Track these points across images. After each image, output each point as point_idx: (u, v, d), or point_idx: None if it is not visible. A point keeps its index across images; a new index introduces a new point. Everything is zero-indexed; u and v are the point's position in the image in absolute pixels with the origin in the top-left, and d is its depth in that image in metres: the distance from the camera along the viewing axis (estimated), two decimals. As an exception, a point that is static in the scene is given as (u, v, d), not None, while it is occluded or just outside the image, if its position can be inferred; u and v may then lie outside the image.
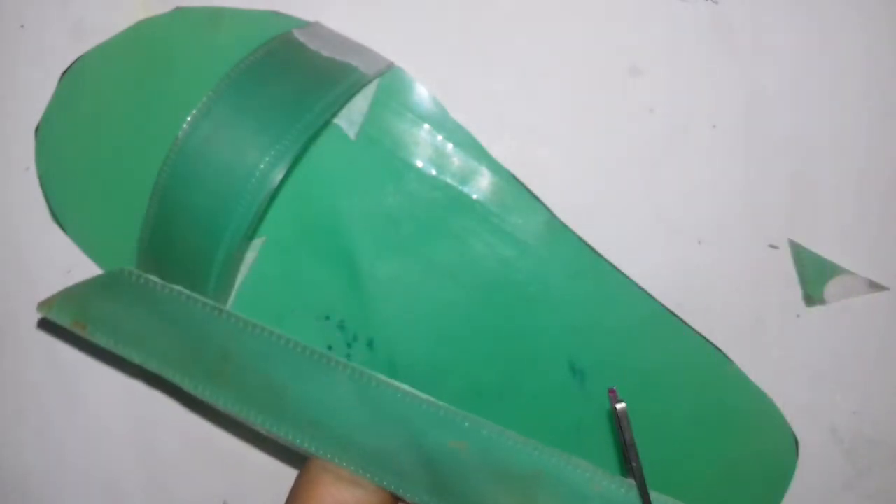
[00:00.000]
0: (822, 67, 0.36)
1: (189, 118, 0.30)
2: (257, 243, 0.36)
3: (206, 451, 0.38)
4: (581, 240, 0.36)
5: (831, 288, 0.36)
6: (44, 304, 0.31)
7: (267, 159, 0.30)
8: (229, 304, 0.36)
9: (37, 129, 0.36)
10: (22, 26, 0.37)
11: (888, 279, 0.37)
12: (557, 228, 0.35)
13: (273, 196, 0.31)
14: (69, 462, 0.38)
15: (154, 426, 0.38)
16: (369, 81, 0.34)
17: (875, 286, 0.37)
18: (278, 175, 0.30)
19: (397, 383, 0.29)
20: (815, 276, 0.36)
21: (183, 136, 0.30)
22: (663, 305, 0.35)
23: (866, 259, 0.37)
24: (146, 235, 0.32)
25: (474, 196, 0.36)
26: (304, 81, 0.32)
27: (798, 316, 0.37)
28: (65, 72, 0.36)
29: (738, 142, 0.36)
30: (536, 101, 0.36)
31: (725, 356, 0.36)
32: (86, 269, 0.37)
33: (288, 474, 0.38)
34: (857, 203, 0.37)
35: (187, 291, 0.30)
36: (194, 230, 0.31)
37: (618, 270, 0.35)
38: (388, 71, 0.35)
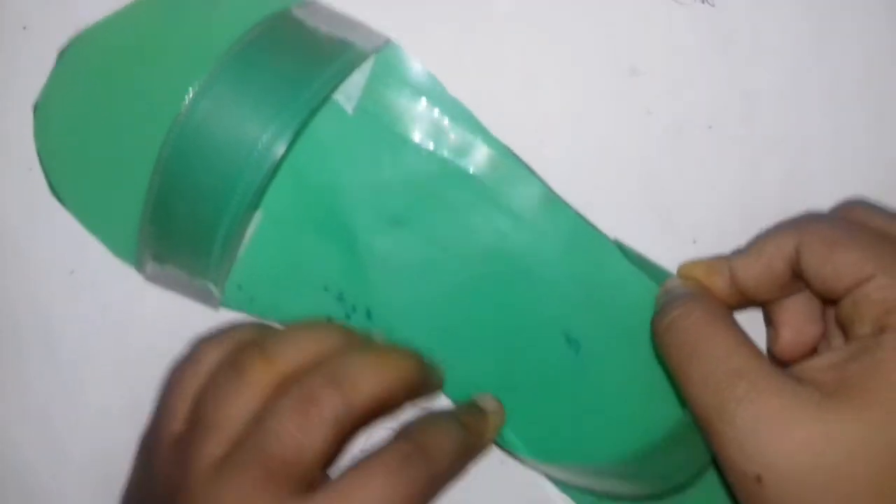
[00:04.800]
0: (818, 69, 0.36)
1: (190, 95, 0.31)
2: (256, 216, 0.36)
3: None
4: (577, 213, 0.36)
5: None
6: None
7: (268, 135, 0.30)
8: (230, 277, 0.36)
9: (35, 106, 0.36)
10: (24, 28, 0.37)
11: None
12: (553, 201, 0.36)
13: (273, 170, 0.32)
14: (71, 462, 0.38)
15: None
16: (367, 57, 0.34)
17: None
18: (279, 150, 0.31)
19: None
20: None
21: (184, 112, 0.31)
22: (655, 280, 0.36)
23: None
24: (149, 210, 0.32)
25: (470, 170, 0.36)
26: (303, 58, 0.32)
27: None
28: (63, 48, 0.36)
29: (734, 142, 0.36)
30: (534, 102, 0.37)
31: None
32: (89, 270, 0.38)
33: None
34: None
35: None
36: (197, 205, 0.31)
37: (612, 243, 0.36)
38: (385, 46, 0.35)
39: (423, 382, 0.33)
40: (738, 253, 0.33)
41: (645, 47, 0.37)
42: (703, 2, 0.36)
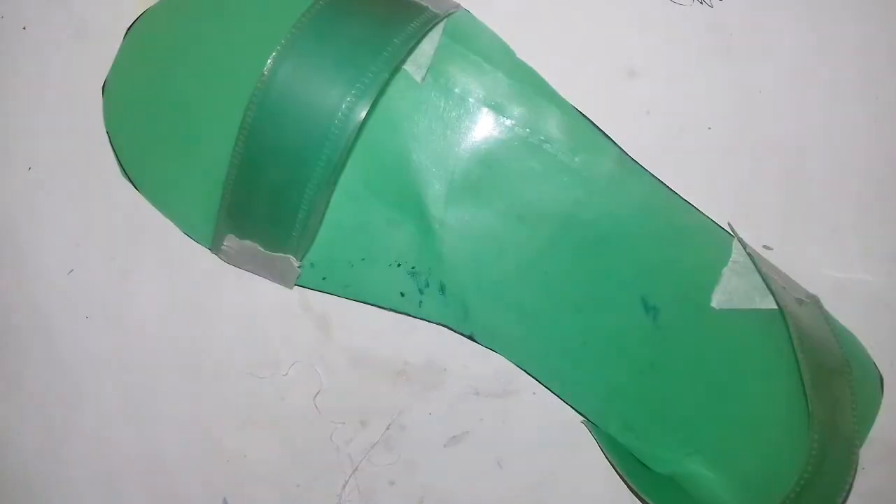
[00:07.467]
0: (816, 70, 0.37)
1: (273, 54, 0.30)
2: (328, 191, 0.36)
3: (207, 450, 0.39)
4: (653, 176, 0.35)
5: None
6: None
7: (351, 95, 0.30)
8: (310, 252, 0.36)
9: (104, 87, 0.36)
10: (24, 28, 0.37)
11: (881, 279, 0.37)
12: (628, 166, 0.35)
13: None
14: (71, 461, 0.39)
15: (155, 425, 0.39)
16: (440, 21, 0.34)
17: (868, 286, 0.37)
18: (362, 112, 0.30)
19: None
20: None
21: (268, 73, 0.30)
22: (737, 240, 0.35)
23: (859, 259, 0.37)
24: (232, 177, 0.32)
25: (543, 137, 0.36)
26: (380, 17, 0.32)
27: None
28: (129, 28, 0.36)
29: (734, 143, 0.36)
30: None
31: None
32: (88, 270, 0.38)
33: (288, 473, 0.38)
34: (850, 204, 0.37)
35: None
36: (282, 170, 0.31)
37: (691, 206, 0.35)
38: (455, 13, 0.35)
39: None
40: None
41: (644, 48, 0.37)
42: (701, 2, 0.36)
